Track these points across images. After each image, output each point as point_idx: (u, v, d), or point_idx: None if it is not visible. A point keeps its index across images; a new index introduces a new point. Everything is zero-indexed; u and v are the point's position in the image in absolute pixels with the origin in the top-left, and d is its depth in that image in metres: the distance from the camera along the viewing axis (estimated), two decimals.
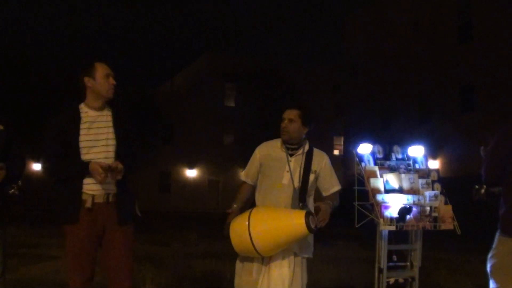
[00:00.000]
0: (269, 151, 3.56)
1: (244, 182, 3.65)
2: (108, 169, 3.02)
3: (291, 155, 3.49)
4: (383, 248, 4.16)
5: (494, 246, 3.19)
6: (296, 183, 3.41)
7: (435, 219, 4.18)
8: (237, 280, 3.53)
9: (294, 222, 3.13)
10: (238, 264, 3.53)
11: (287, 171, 3.44)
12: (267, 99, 28.05)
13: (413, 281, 4.34)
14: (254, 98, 29.20)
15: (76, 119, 3.19)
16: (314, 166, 3.49)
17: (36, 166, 29.75)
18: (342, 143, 34.08)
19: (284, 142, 3.52)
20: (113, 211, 3.16)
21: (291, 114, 3.49)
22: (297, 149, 3.51)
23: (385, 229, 4.08)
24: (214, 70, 35.55)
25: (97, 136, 3.18)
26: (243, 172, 3.68)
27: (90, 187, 3.12)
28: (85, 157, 3.13)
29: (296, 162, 3.48)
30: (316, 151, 3.58)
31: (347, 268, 7.92)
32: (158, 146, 30.30)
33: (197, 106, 34.41)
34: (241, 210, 3.49)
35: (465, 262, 8.10)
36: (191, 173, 34.84)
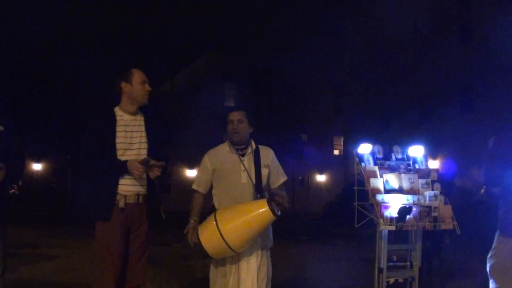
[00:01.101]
0: (220, 157, 3.68)
1: (196, 192, 3.74)
2: (145, 163, 3.16)
3: (242, 155, 3.63)
4: (383, 248, 4.16)
5: (493, 246, 3.20)
6: (254, 180, 3.57)
7: (435, 219, 4.18)
8: (211, 286, 3.58)
9: (259, 211, 3.26)
10: (213, 271, 3.60)
11: (244, 170, 3.59)
12: (266, 99, 28.02)
13: (413, 281, 4.34)
14: (253, 98, 29.18)
15: (112, 122, 3.32)
16: (264, 161, 3.66)
17: (36, 166, 29.74)
18: (342, 143, 34.10)
19: (233, 144, 3.64)
20: (142, 212, 3.33)
21: (238, 115, 3.64)
22: (245, 148, 3.66)
23: (385, 229, 4.08)
24: (214, 70, 35.54)
25: (131, 140, 3.34)
26: (195, 182, 3.77)
27: (123, 187, 3.27)
28: (120, 158, 3.27)
29: (249, 161, 3.62)
30: (261, 147, 3.73)
31: (347, 268, 7.92)
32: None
33: (197, 106, 34.40)
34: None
35: (465, 262, 8.10)
36: (191, 173, 34.85)
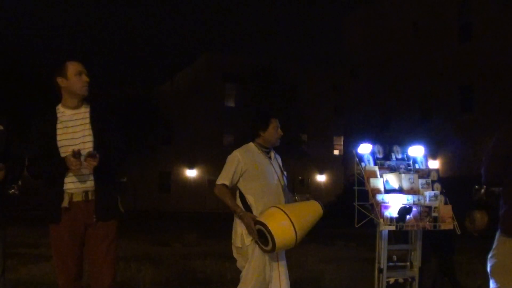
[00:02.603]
0: (252, 157, 3.84)
1: (226, 187, 3.80)
2: (75, 154, 3.03)
3: (269, 158, 3.92)
4: (383, 248, 4.16)
5: (494, 246, 3.20)
6: (282, 181, 3.90)
7: (435, 219, 4.18)
8: (252, 275, 3.67)
9: (316, 209, 3.70)
10: (253, 267, 3.69)
11: (274, 173, 3.88)
12: (267, 99, 28.05)
13: (413, 281, 4.34)
14: (253, 98, 29.20)
15: (52, 120, 3.25)
16: (281, 164, 4.02)
17: None
18: (342, 143, 34.09)
19: (262, 147, 3.89)
20: (93, 209, 3.19)
21: (279, 123, 3.93)
22: (269, 152, 3.95)
23: (385, 229, 4.08)
24: (214, 70, 35.56)
25: (74, 135, 3.23)
26: (227, 177, 3.79)
27: (69, 185, 3.17)
28: (64, 155, 3.15)
29: (276, 164, 3.95)
30: (274, 153, 4.03)
31: (347, 268, 7.92)
32: (158, 146, 30.30)
33: (197, 106, 34.40)
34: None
35: (465, 262, 8.10)
36: (191, 173, 34.85)
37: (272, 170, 3.84)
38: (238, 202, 3.77)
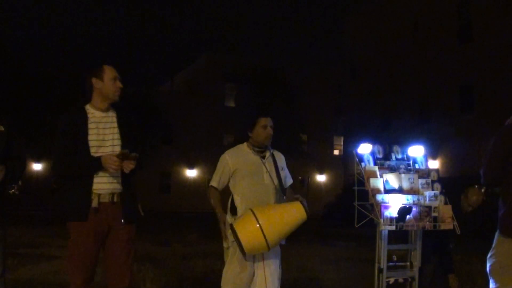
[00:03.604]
0: (241, 157, 3.82)
1: (215, 189, 3.82)
2: (121, 156, 3.09)
3: (263, 157, 3.83)
4: (383, 248, 4.16)
5: (493, 246, 3.20)
6: (276, 181, 3.79)
7: (435, 219, 4.18)
8: (230, 275, 3.70)
9: (295, 211, 3.49)
10: (232, 266, 3.70)
11: (266, 172, 3.78)
12: (267, 99, 28.03)
13: (413, 281, 4.34)
14: (254, 98, 29.19)
15: (84, 119, 3.26)
16: (280, 164, 3.91)
17: (36, 166, 29.74)
18: (342, 143, 34.09)
19: (254, 146, 3.83)
20: (118, 211, 3.23)
21: (271, 121, 3.84)
22: (264, 151, 3.86)
23: (385, 229, 4.08)
24: (214, 70, 35.54)
25: (104, 136, 3.26)
26: (215, 179, 3.84)
27: (97, 186, 3.19)
28: (98, 155, 3.19)
29: (269, 163, 3.83)
30: (275, 152, 3.96)
31: (347, 268, 7.93)
32: (158, 146, 30.30)
33: (197, 106, 34.41)
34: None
35: (465, 262, 8.10)
36: (191, 173, 34.85)
37: (263, 169, 3.77)
38: (230, 202, 3.78)
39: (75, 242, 3.19)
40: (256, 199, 3.67)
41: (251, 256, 3.63)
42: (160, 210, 28.10)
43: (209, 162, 33.64)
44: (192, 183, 34.60)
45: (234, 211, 3.71)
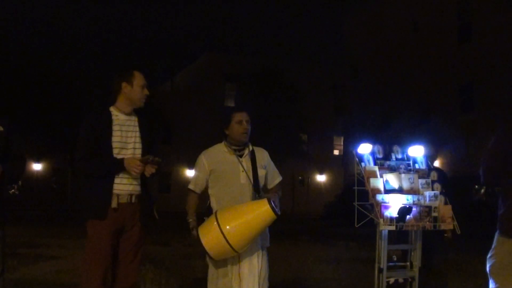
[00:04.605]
0: (217, 157, 3.65)
1: (192, 192, 3.70)
2: (145, 161, 3.17)
3: (240, 156, 3.63)
4: (383, 248, 4.16)
5: (493, 246, 3.20)
6: (252, 180, 3.57)
7: (435, 219, 4.18)
8: (211, 285, 3.56)
9: (260, 210, 3.28)
10: (212, 271, 3.57)
11: (242, 171, 3.58)
12: (267, 99, 28.04)
13: (413, 281, 4.34)
14: (254, 98, 29.20)
15: (109, 120, 3.32)
16: (261, 162, 3.68)
17: (36, 166, 29.73)
18: (342, 143, 34.09)
19: (233, 145, 3.64)
20: (135, 212, 3.31)
21: (247, 116, 3.65)
22: (243, 149, 3.66)
23: (385, 229, 4.08)
24: (214, 70, 35.55)
25: (127, 139, 3.34)
26: (191, 182, 3.71)
27: (117, 186, 3.26)
28: (121, 157, 3.27)
29: (247, 162, 3.63)
30: (256, 149, 3.74)
31: (347, 268, 7.93)
32: (158, 146, 30.29)
33: (197, 106, 34.39)
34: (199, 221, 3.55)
35: (465, 262, 8.10)
36: (191, 173, 34.76)
37: (239, 169, 3.57)
38: (207, 205, 3.67)
39: (93, 240, 3.25)
40: (230, 200, 3.51)
41: (225, 261, 3.47)
42: (160, 210, 28.08)
43: None
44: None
45: (209, 214, 3.52)
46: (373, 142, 4.41)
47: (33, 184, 27.60)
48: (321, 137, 36.31)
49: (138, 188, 3.32)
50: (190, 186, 3.70)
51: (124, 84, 3.36)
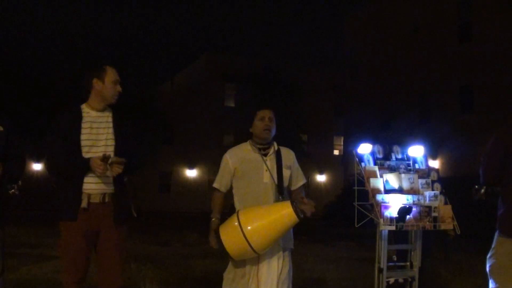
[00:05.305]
0: (241, 156, 3.61)
1: (217, 191, 3.67)
2: (105, 159, 3.05)
3: (264, 155, 3.58)
4: (383, 248, 4.16)
5: (493, 246, 3.20)
6: (276, 180, 3.52)
7: (435, 219, 4.18)
8: (227, 285, 3.55)
9: (283, 213, 3.24)
10: (230, 270, 3.56)
11: (266, 170, 3.53)
12: (267, 99, 28.02)
13: (413, 281, 4.34)
14: (253, 98, 29.19)
15: (78, 118, 3.24)
16: (286, 162, 3.62)
17: (36, 166, 29.73)
18: (342, 143, 34.07)
19: (257, 143, 3.60)
20: (109, 211, 3.20)
21: (270, 113, 3.60)
22: (268, 148, 3.61)
23: (385, 229, 4.09)
24: (214, 70, 35.54)
25: (97, 136, 3.23)
26: (216, 181, 3.68)
27: (88, 186, 3.17)
28: (85, 155, 3.17)
29: (272, 161, 3.57)
30: (283, 149, 3.68)
31: (347, 268, 7.93)
32: (158, 146, 30.27)
33: (197, 106, 34.39)
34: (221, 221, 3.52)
35: (465, 262, 8.11)
36: (191, 173, 34.83)
37: (263, 167, 3.52)
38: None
39: (65, 241, 3.19)
40: (253, 199, 3.48)
41: (243, 261, 3.45)
42: (160, 210, 28.10)
43: (209, 162, 33.65)
44: (192, 183, 34.58)
45: (232, 213, 3.50)
46: (373, 142, 4.42)
47: (33, 184, 27.57)
48: (321, 137, 36.30)
49: (111, 187, 3.20)
50: (215, 185, 3.67)
51: (95, 81, 3.25)
